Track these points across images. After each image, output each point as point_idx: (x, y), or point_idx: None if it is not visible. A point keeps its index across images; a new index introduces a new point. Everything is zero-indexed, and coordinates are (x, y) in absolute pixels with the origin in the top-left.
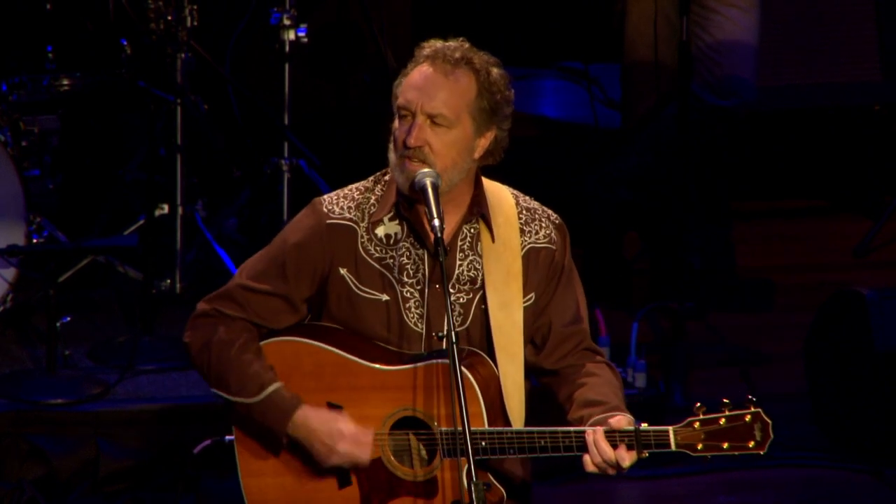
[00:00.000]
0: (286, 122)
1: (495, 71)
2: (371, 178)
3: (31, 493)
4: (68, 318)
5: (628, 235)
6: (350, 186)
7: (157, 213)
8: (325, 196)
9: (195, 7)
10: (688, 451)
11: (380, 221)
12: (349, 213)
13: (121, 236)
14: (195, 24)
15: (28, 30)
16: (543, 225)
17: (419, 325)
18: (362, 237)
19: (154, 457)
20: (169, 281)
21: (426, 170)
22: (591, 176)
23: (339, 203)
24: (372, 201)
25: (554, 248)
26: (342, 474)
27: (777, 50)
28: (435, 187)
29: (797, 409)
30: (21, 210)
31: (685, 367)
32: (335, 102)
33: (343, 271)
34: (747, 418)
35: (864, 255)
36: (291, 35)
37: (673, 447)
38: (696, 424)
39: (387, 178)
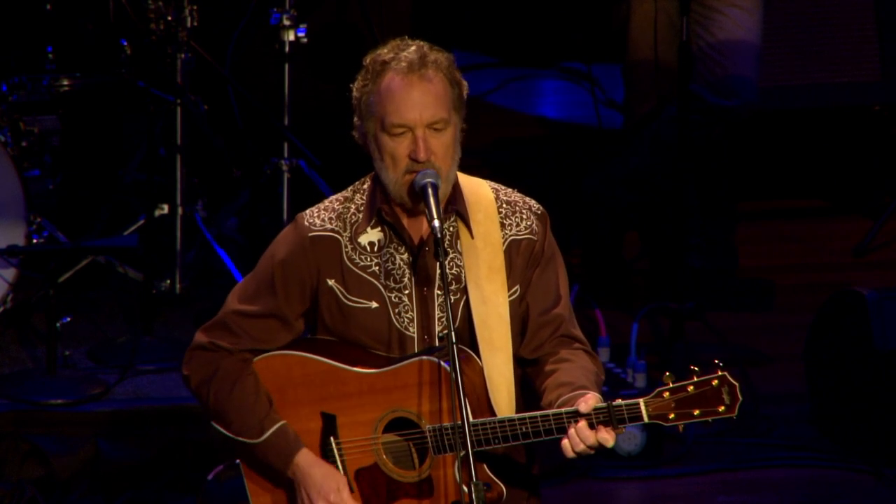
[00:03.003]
0: (286, 122)
1: (446, 58)
2: (349, 188)
3: (31, 493)
4: (68, 318)
5: (628, 235)
6: (329, 198)
7: (157, 213)
8: (307, 210)
9: (195, 7)
10: (661, 422)
11: (362, 230)
12: (330, 223)
13: (121, 236)
14: (195, 24)
15: (28, 30)
16: (524, 216)
17: (410, 328)
18: (346, 247)
19: (154, 457)
20: (169, 281)
21: (426, 170)
22: (592, 177)
23: (319, 215)
24: (352, 211)
25: (535, 238)
26: None
27: (777, 50)
28: (435, 188)
29: (797, 409)
30: (21, 210)
31: (685, 367)
32: (335, 102)
33: (331, 283)
34: (714, 382)
35: (863, 255)
36: (291, 35)
37: (646, 419)
38: (666, 394)
39: (365, 186)
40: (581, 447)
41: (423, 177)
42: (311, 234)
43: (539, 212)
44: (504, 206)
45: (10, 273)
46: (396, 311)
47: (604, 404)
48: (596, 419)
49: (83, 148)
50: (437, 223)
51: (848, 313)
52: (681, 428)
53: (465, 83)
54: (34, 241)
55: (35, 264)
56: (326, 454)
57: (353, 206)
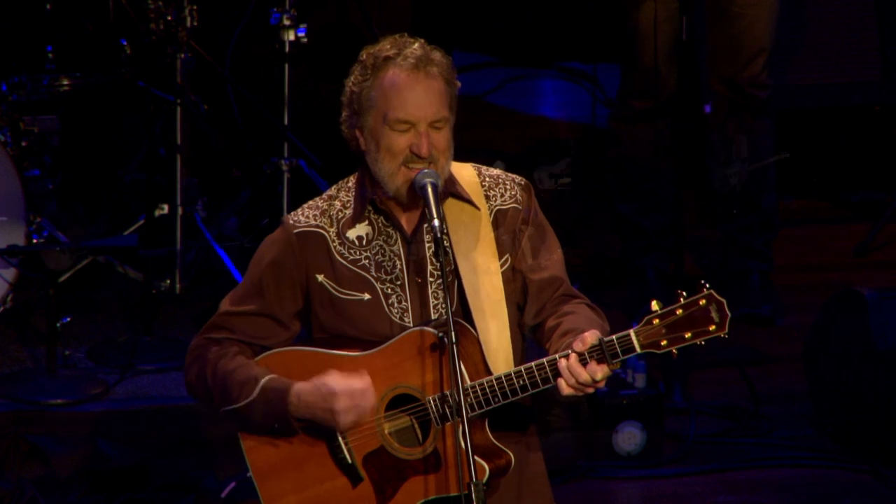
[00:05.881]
0: (286, 122)
1: (446, 58)
2: (333, 186)
3: (31, 493)
4: (68, 318)
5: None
6: (314, 199)
7: (157, 213)
8: (292, 212)
9: (195, 7)
10: (654, 350)
11: (349, 225)
12: (315, 220)
13: (121, 236)
14: (195, 24)
15: (28, 30)
16: (508, 187)
17: (405, 318)
18: (333, 241)
19: (154, 457)
20: (169, 281)
21: (426, 170)
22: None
23: (304, 213)
24: (338, 207)
25: (520, 207)
26: (353, 474)
27: (777, 49)
28: (435, 187)
29: (797, 409)
30: (21, 210)
31: (685, 367)
32: (335, 102)
33: (321, 278)
34: (702, 302)
35: (864, 255)
36: (291, 35)
37: (638, 349)
38: (655, 321)
39: (350, 184)
40: (572, 381)
41: (424, 177)
42: (296, 231)
43: (522, 183)
44: (487, 179)
45: (10, 273)
46: (390, 301)
47: (595, 342)
48: (589, 356)
49: (83, 148)
50: (437, 223)
51: (848, 313)
52: (675, 353)
53: (458, 83)
54: (34, 241)
55: (35, 264)
56: (331, 444)
57: (338, 203)
